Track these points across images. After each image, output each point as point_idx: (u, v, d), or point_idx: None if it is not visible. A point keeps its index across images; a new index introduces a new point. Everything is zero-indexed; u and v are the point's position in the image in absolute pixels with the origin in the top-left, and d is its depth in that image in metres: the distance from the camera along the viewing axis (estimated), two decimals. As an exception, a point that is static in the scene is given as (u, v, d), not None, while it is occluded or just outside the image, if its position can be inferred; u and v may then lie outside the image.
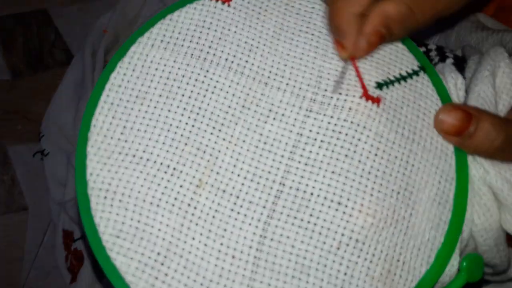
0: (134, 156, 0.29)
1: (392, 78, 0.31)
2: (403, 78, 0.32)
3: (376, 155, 0.29)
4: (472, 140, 0.30)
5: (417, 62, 0.33)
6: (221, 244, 0.28)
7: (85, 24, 0.70)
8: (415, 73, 0.32)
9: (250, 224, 0.28)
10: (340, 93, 0.30)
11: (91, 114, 0.30)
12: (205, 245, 0.28)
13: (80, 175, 0.29)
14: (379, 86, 0.31)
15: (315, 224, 0.28)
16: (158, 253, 0.28)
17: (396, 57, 0.32)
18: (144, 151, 0.29)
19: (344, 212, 0.28)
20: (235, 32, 0.32)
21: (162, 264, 0.27)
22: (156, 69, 0.30)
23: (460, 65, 0.35)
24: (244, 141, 0.30)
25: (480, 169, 0.31)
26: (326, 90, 0.31)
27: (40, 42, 0.74)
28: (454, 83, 0.32)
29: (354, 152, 0.29)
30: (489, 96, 0.31)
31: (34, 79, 0.72)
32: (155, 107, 0.30)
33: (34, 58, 0.73)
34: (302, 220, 0.28)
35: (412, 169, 0.30)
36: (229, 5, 0.32)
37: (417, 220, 0.29)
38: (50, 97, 0.66)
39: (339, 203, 0.28)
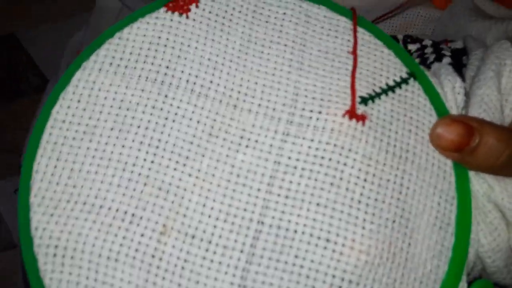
0: (84, 203, 0.25)
1: (378, 90, 0.28)
2: (391, 88, 0.28)
3: (365, 180, 0.26)
4: (473, 156, 0.26)
5: (406, 68, 0.29)
6: None
7: (57, 45, 0.66)
8: (404, 81, 0.28)
9: (226, 273, 0.24)
10: (320, 112, 0.26)
11: (32, 158, 0.25)
12: None
13: (24, 231, 0.24)
14: (364, 101, 0.27)
15: (301, 267, 0.24)
16: None
17: (382, 65, 0.28)
18: (96, 197, 0.25)
19: (333, 250, 0.25)
20: (196, 48, 0.27)
21: None
22: (106, 98, 0.26)
23: (459, 62, 0.31)
24: (213, 175, 0.26)
25: (484, 184, 0.27)
26: (303, 109, 0.27)
27: (13, 68, 0.70)
28: (452, 87, 0.29)
29: (340, 179, 0.26)
30: (494, 101, 0.27)
31: (10, 108, 0.68)
32: (106, 143, 0.26)
33: (7, 86, 0.69)
34: (286, 263, 0.25)
35: (407, 192, 0.26)
36: (187, 17, 0.28)
37: (416, 250, 0.26)
38: (29, 126, 0.62)
39: (327, 240, 0.25)
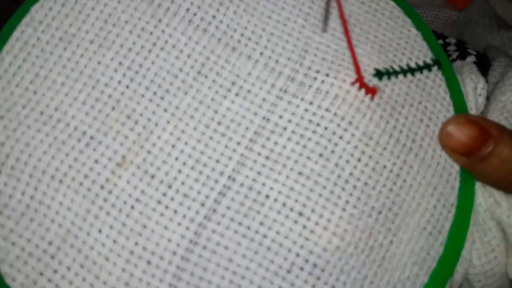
0: (42, 113, 0.22)
1: (396, 68, 0.25)
2: (411, 70, 0.25)
3: (359, 160, 0.23)
4: (483, 165, 0.23)
5: (431, 54, 0.26)
6: (136, 243, 0.21)
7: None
8: (427, 66, 0.25)
9: (179, 224, 0.21)
10: (328, 75, 0.23)
11: None
12: (114, 241, 0.21)
13: None
14: (379, 74, 0.24)
15: (264, 236, 0.21)
16: (50, 243, 0.21)
17: (406, 44, 0.25)
18: (56, 109, 0.22)
19: (304, 226, 0.21)
20: None
21: (53, 257, 0.21)
22: (93, 8, 0.24)
23: (483, 66, 0.28)
24: (192, 117, 0.23)
25: (490, 199, 0.24)
26: (310, 68, 0.24)
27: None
28: (474, 87, 0.26)
29: (332, 152, 0.22)
30: None
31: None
32: (81, 55, 0.23)
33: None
34: (248, 228, 0.22)
35: (402, 185, 0.23)
36: None
37: (398, 251, 0.22)
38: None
39: (300, 214, 0.22)
